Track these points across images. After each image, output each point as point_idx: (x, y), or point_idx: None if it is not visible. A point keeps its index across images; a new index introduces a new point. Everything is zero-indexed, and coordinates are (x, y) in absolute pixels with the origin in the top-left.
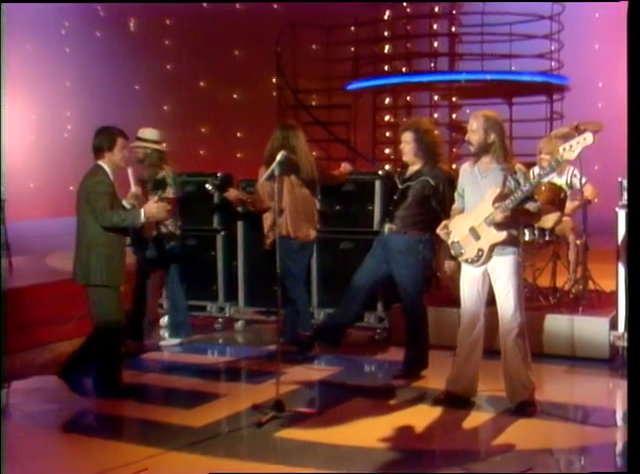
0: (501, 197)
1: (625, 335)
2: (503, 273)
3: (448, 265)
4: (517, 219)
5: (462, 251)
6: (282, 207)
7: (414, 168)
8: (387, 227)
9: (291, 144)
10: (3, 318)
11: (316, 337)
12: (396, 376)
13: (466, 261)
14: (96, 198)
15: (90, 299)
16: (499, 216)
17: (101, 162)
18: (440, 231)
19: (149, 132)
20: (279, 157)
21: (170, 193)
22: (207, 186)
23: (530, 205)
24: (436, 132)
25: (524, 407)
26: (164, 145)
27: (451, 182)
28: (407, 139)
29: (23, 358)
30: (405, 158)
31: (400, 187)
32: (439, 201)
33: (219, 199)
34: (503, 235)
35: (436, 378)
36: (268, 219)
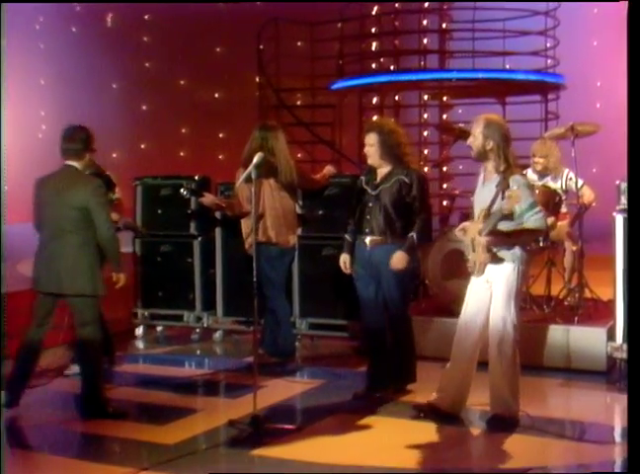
0: (489, 215)
1: (624, 346)
2: (498, 280)
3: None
4: (505, 239)
5: (468, 257)
6: (261, 212)
7: (384, 171)
8: (368, 240)
9: (270, 146)
10: (3, 319)
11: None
12: (360, 396)
13: (469, 267)
14: (101, 209)
15: (75, 309)
16: (482, 241)
17: (75, 163)
18: (457, 231)
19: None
20: (255, 159)
21: (119, 193)
22: (182, 190)
23: (506, 226)
24: (401, 132)
25: (495, 421)
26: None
27: (425, 180)
28: (371, 141)
29: None
30: (371, 161)
31: (373, 193)
32: (415, 200)
33: (196, 204)
34: (488, 256)
35: (423, 392)
36: (246, 224)
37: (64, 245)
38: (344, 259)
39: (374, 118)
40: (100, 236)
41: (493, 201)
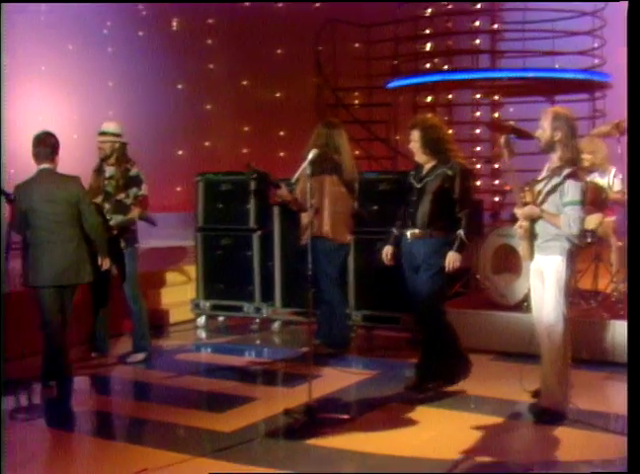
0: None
1: None
2: (548, 272)
3: None
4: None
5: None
6: (319, 207)
7: (428, 165)
8: (410, 233)
9: (335, 143)
10: (3, 318)
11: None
12: (412, 388)
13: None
14: (88, 202)
15: (69, 296)
16: (524, 210)
17: (49, 165)
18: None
19: (114, 126)
20: (310, 155)
21: (145, 190)
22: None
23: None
24: (443, 127)
25: (543, 412)
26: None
27: (469, 173)
28: (415, 138)
29: None
30: (416, 158)
31: (418, 186)
32: (456, 192)
33: (256, 199)
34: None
35: (474, 384)
36: (305, 217)
37: (62, 239)
38: (386, 250)
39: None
40: (90, 227)
41: (545, 184)
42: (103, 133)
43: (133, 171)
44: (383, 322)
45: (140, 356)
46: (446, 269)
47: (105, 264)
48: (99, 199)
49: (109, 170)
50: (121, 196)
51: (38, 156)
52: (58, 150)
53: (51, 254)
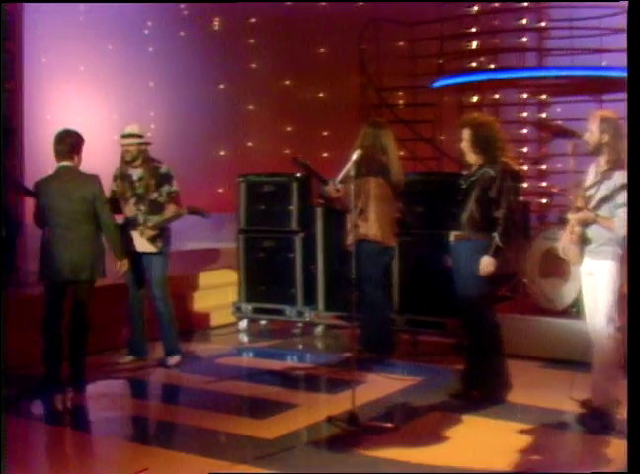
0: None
1: None
2: (600, 276)
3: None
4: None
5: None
6: (363, 208)
7: (476, 166)
8: (453, 235)
9: (382, 144)
10: (3, 318)
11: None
12: (457, 396)
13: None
14: (103, 201)
15: (84, 295)
16: (575, 216)
17: (69, 163)
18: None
19: (139, 128)
20: (354, 156)
21: (176, 185)
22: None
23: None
24: (494, 126)
25: (594, 419)
26: None
27: (513, 176)
28: (465, 137)
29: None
30: (467, 157)
31: (463, 186)
32: (495, 193)
33: (298, 201)
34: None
35: (521, 392)
36: (351, 219)
37: (78, 236)
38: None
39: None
40: (104, 227)
41: (597, 188)
42: (129, 136)
43: (163, 168)
44: (428, 327)
45: (177, 359)
46: (481, 273)
47: (123, 266)
48: (131, 203)
49: (136, 172)
50: (154, 195)
51: (57, 154)
52: (79, 149)
53: (65, 250)
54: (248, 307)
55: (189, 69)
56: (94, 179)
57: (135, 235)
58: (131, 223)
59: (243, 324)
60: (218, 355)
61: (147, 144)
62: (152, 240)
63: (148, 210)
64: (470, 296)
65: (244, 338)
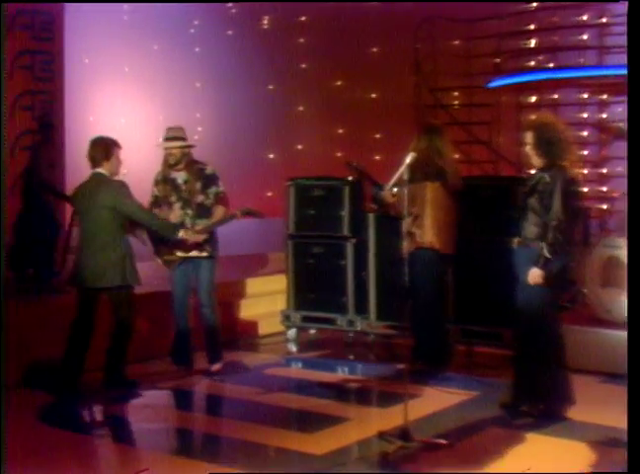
0: None
1: None
2: None
3: None
4: None
5: None
6: (420, 214)
7: (538, 169)
8: (515, 241)
9: (438, 147)
10: (3, 318)
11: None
12: (505, 406)
13: None
14: (128, 203)
15: (116, 300)
16: None
17: (100, 170)
18: None
19: (181, 130)
20: (407, 159)
21: (222, 186)
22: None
23: None
24: (558, 127)
25: None
26: None
27: (570, 181)
28: (528, 140)
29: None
30: (532, 161)
31: (525, 191)
32: (550, 200)
33: (350, 205)
34: None
35: (580, 408)
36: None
37: (100, 243)
38: None
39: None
40: (143, 222)
41: None
42: (172, 138)
43: (208, 169)
44: (485, 338)
45: (219, 366)
46: (530, 283)
47: (190, 236)
48: (176, 207)
49: (179, 176)
50: (201, 198)
51: (90, 160)
52: (109, 155)
53: (87, 257)
54: (297, 315)
55: (236, 69)
56: (117, 185)
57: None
58: (177, 228)
59: (292, 333)
60: (266, 366)
61: (190, 146)
62: (201, 244)
63: (195, 214)
64: (531, 305)
65: (292, 347)
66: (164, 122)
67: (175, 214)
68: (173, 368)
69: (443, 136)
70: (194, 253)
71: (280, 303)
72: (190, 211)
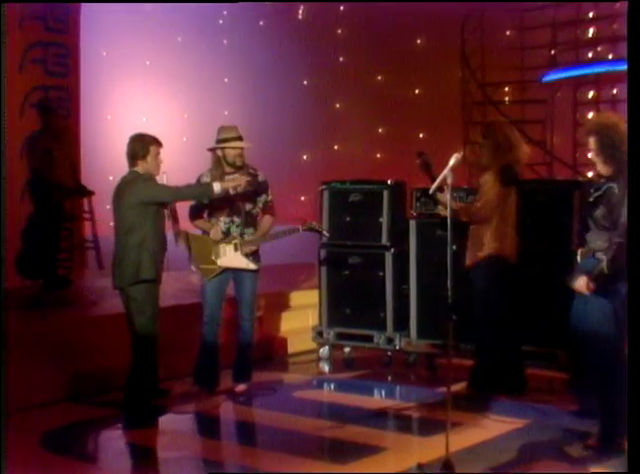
0: None
1: None
2: None
3: None
4: None
5: None
6: (498, 221)
7: (605, 176)
8: (580, 252)
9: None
10: (3, 319)
11: None
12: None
13: None
14: (155, 187)
15: (132, 297)
16: None
17: (136, 169)
18: None
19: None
20: (452, 160)
21: (271, 195)
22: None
23: None
24: (623, 127)
25: None
26: None
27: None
28: (591, 146)
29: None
30: (598, 168)
31: (590, 200)
32: (618, 214)
33: (389, 211)
34: None
35: None
36: (478, 233)
37: (127, 241)
38: None
39: (590, 115)
40: (171, 199)
41: None
42: (239, 138)
43: (261, 176)
44: (537, 359)
45: (244, 387)
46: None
47: (228, 188)
48: (223, 214)
49: (242, 185)
50: (249, 206)
51: (127, 158)
52: (145, 153)
53: (115, 257)
54: (330, 332)
55: (268, 63)
56: (142, 181)
57: (228, 249)
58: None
59: (324, 351)
60: (296, 387)
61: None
62: (252, 256)
63: (243, 223)
64: (585, 322)
65: (325, 367)
66: (189, 121)
67: (218, 225)
68: (194, 390)
69: (512, 130)
70: (242, 264)
71: (313, 319)
72: (237, 219)
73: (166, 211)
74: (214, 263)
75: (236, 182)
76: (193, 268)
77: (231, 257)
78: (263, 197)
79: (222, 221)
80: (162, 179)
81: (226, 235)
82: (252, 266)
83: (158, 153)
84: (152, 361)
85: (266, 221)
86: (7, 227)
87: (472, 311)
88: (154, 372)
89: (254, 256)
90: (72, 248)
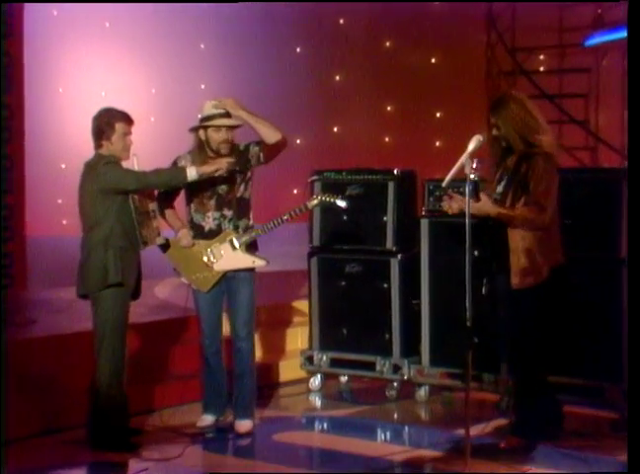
0: None
1: None
2: None
3: None
4: None
5: None
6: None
7: None
8: None
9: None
10: (3, 319)
11: None
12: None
13: None
14: (115, 173)
15: (96, 306)
16: None
17: (100, 151)
18: None
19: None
20: (472, 144)
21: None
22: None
23: None
24: None
25: None
26: None
27: None
28: None
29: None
30: None
31: None
32: None
33: (396, 209)
34: None
35: None
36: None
37: (88, 242)
38: None
39: None
40: (135, 187)
41: None
42: (224, 115)
43: (242, 145)
44: (578, 394)
45: (249, 425)
46: None
47: (217, 164)
48: (211, 207)
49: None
50: (241, 189)
51: (93, 140)
52: (108, 132)
53: (85, 256)
54: (323, 358)
55: (253, 27)
56: (102, 166)
57: (223, 249)
58: (207, 235)
59: (315, 381)
60: (280, 427)
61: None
62: (250, 250)
63: (237, 213)
64: None
65: (316, 401)
66: (157, 97)
67: (208, 217)
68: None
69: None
70: (243, 262)
71: (301, 340)
72: (228, 212)
73: (151, 205)
74: (210, 269)
75: (216, 165)
76: (183, 280)
77: (230, 257)
78: (253, 151)
79: (210, 217)
80: (132, 163)
81: (215, 233)
82: (259, 261)
83: (127, 133)
84: (120, 390)
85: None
86: None
87: (500, 336)
88: (124, 404)
89: (254, 249)
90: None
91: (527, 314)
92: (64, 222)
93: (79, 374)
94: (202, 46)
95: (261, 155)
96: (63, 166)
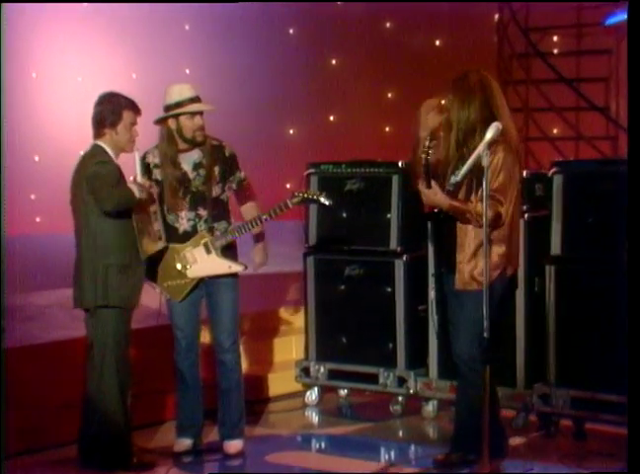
0: None
1: None
2: None
3: None
4: None
5: None
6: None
7: None
8: None
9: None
10: (3, 320)
11: None
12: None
13: None
14: (98, 183)
15: (98, 319)
16: None
17: (100, 141)
18: None
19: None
20: (490, 132)
21: (243, 171)
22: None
23: None
24: None
25: None
26: None
27: None
28: None
29: None
30: None
31: None
32: None
33: (400, 204)
34: None
35: None
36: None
37: (85, 245)
38: None
39: None
40: (111, 211)
41: None
42: (196, 99)
43: (227, 149)
44: (600, 410)
45: (239, 445)
46: None
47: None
48: (184, 206)
49: (188, 158)
50: (217, 191)
51: (92, 127)
52: (113, 120)
53: (80, 264)
54: (320, 369)
55: (241, 6)
56: (92, 155)
57: (197, 253)
58: (181, 238)
59: (312, 395)
60: (272, 447)
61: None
62: (230, 254)
63: (212, 214)
64: None
65: (313, 417)
66: (138, 82)
67: (182, 217)
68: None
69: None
70: (220, 268)
71: (297, 350)
72: (204, 212)
73: (152, 208)
74: (183, 275)
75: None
76: (156, 288)
77: (204, 262)
78: (234, 177)
79: (184, 218)
80: (134, 158)
81: (190, 235)
82: (236, 267)
83: (134, 122)
84: (126, 405)
85: (248, 211)
86: None
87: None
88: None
89: (232, 253)
90: None
91: (470, 319)
92: (38, 219)
93: (57, 388)
94: (187, 28)
95: (233, 188)
96: (37, 158)
